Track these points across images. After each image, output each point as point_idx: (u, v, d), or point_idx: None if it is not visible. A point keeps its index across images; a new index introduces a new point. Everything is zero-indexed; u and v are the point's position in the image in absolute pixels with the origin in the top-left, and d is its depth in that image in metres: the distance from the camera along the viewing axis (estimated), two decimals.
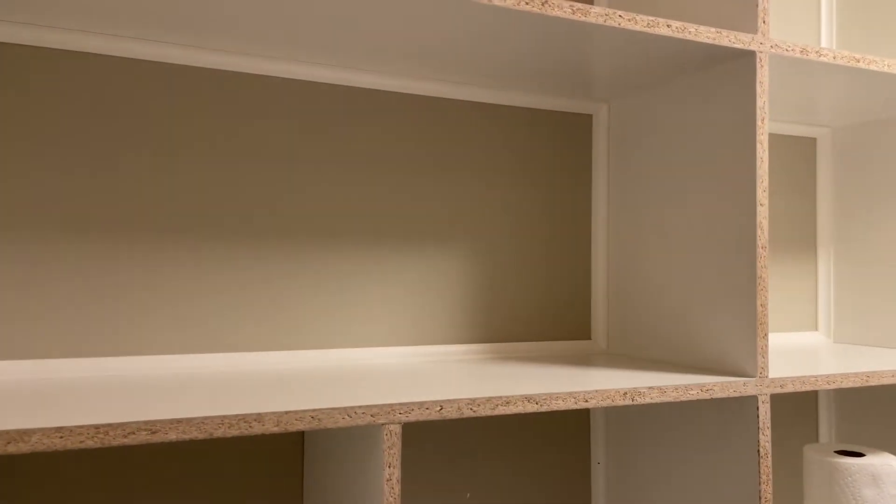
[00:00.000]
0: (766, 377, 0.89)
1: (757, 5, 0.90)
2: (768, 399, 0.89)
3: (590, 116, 1.19)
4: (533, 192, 1.14)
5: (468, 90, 1.09)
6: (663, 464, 1.04)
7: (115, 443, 0.58)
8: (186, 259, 0.92)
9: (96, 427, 0.57)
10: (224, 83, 0.95)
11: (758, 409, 0.88)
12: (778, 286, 1.35)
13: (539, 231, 1.14)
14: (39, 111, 0.86)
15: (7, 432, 0.55)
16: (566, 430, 1.15)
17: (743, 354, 0.91)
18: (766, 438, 0.88)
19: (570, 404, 0.77)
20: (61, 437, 0.56)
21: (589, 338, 1.17)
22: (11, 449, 0.55)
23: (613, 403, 0.79)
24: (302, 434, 0.97)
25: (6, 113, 0.85)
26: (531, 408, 0.75)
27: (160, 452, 0.90)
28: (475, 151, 1.10)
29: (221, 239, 0.94)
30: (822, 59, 0.96)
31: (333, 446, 0.84)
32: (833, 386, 0.93)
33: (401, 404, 0.70)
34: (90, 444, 0.57)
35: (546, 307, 1.14)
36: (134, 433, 0.59)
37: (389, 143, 1.04)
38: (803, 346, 1.29)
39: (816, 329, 1.38)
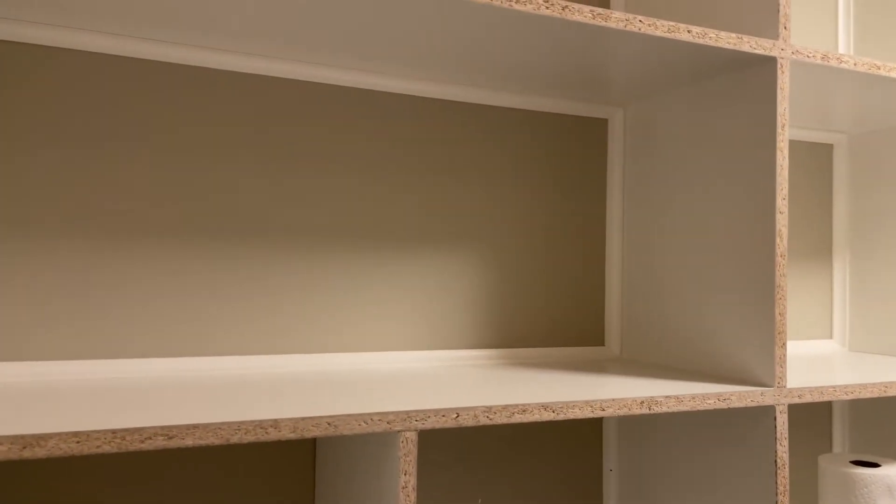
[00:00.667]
0: (784, 387, 0.88)
1: (778, 11, 0.89)
2: (786, 409, 0.88)
3: (605, 121, 1.18)
4: (547, 197, 1.14)
5: (484, 93, 1.08)
6: (676, 472, 1.03)
7: (131, 448, 0.57)
8: (201, 262, 0.92)
9: (113, 432, 0.57)
10: (230, 83, 0.95)
11: (775, 419, 0.87)
12: (792, 293, 1.34)
13: (553, 235, 1.14)
14: (37, 110, 0.86)
15: (23, 437, 0.55)
16: (578, 436, 1.14)
17: (760, 364, 0.90)
18: (783, 449, 0.87)
19: (587, 413, 0.76)
20: (78, 443, 0.56)
21: (602, 344, 1.16)
22: (27, 454, 0.55)
23: (630, 412, 0.79)
24: (314, 439, 0.97)
25: (5, 111, 0.84)
26: (548, 416, 0.75)
27: (168, 455, 0.90)
28: (489, 155, 1.09)
29: (234, 242, 0.94)
30: (842, 65, 0.95)
31: (347, 452, 0.83)
32: (851, 396, 0.92)
33: (417, 411, 0.69)
34: (107, 448, 0.57)
35: (559, 312, 1.14)
36: (151, 438, 0.58)
37: (404, 146, 1.04)
38: (818, 355, 1.28)
39: (831, 337, 1.36)
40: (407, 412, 0.69)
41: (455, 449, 1.06)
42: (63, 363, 0.84)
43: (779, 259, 0.88)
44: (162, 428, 0.59)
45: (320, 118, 0.99)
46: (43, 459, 0.83)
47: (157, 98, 0.90)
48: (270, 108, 0.96)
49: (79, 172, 0.87)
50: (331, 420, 0.65)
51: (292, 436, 0.63)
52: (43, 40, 0.85)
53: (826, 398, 0.90)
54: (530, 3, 0.77)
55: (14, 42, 0.84)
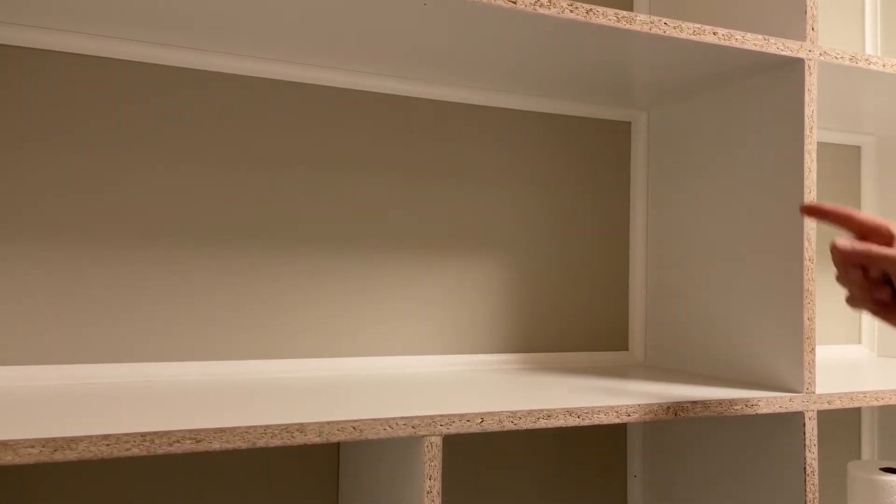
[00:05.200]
0: (814, 393, 0.87)
1: (805, 12, 0.88)
2: (815, 415, 0.86)
3: (628, 124, 1.17)
4: (571, 200, 1.13)
5: (506, 97, 1.08)
6: (702, 478, 1.02)
7: (160, 451, 0.58)
8: (225, 266, 0.93)
9: (142, 435, 0.57)
10: (235, 86, 0.95)
11: (804, 425, 0.86)
12: (820, 297, 1.32)
13: (576, 240, 1.13)
14: (34, 113, 0.87)
15: (54, 440, 0.55)
16: (603, 441, 1.13)
17: (789, 369, 0.88)
18: (812, 456, 0.86)
19: (613, 418, 0.76)
20: (108, 445, 0.56)
21: (626, 349, 1.16)
22: (58, 457, 0.55)
23: (656, 418, 0.78)
24: (338, 443, 0.97)
25: (17, 117, 0.86)
26: (573, 421, 0.74)
27: (192, 459, 0.90)
28: (513, 159, 1.09)
29: (259, 246, 0.94)
30: (871, 66, 0.93)
31: (371, 457, 0.84)
32: (881, 402, 0.91)
33: (442, 416, 0.69)
34: (136, 452, 0.57)
35: (583, 317, 1.13)
36: (179, 442, 0.58)
37: (428, 150, 1.04)
38: (847, 360, 1.26)
39: (860, 342, 1.34)
40: (431, 417, 0.68)
41: (480, 454, 1.05)
42: (88, 367, 0.85)
43: (807, 263, 0.87)
44: (190, 431, 0.59)
45: (346, 123, 0.99)
46: (72, 462, 0.84)
47: (157, 101, 0.91)
48: (298, 113, 0.97)
49: (91, 178, 0.88)
50: (356, 424, 0.65)
51: (318, 440, 0.64)
52: (38, 44, 0.84)
53: (856, 404, 0.89)
54: (554, 7, 0.76)
55: (10, 46, 0.84)
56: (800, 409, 0.86)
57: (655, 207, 1.14)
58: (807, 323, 0.87)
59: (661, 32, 0.81)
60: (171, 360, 0.89)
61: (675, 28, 0.82)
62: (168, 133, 0.91)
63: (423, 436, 0.68)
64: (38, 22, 0.82)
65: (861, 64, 0.92)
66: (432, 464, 0.68)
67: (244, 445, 0.61)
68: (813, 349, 0.87)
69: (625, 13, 0.80)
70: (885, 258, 0.64)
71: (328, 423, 0.64)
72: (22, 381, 0.82)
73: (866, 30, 1.37)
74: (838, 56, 0.90)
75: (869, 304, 0.68)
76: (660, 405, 0.78)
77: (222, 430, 0.60)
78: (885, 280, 0.67)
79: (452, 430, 0.69)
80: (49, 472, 0.84)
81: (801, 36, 0.89)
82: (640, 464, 1.14)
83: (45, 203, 0.85)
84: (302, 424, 0.63)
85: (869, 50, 1.37)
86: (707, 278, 1.03)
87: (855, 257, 0.66)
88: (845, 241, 0.67)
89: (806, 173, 0.87)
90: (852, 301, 0.69)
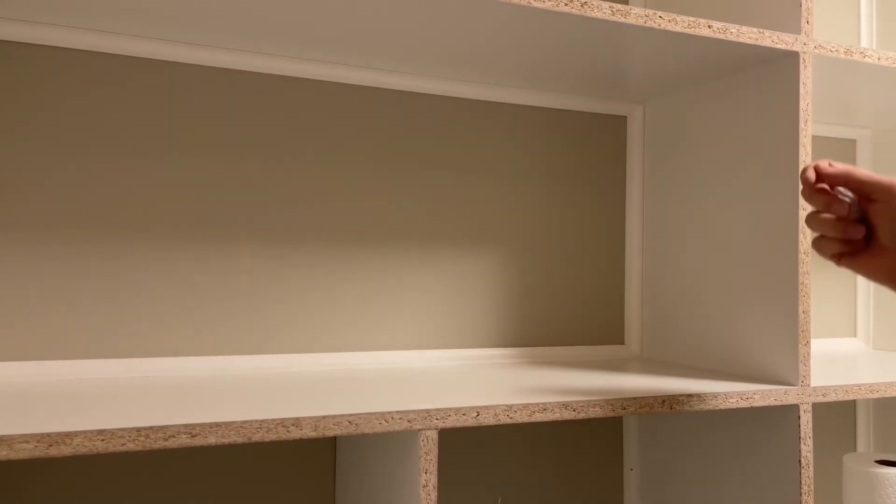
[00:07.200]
0: (809, 386, 0.87)
1: (800, 5, 0.88)
2: (810, 408, 0.87)
3: (624, 118, 1.17)
4: (566, 195, 1.13)
5: (502, 91, 1.08)
6: (698, 471, 1.02)
7: (155, 446, 0.58)
8: (222, 261, 0.93)
9: (138, 430, 0.57)
10: (231, 81, 0.95)
11: (799, 418, 0.86)
12: (816, 291, 1.32)
13: (572, 234, 1.13)
14: (33, 109, 0.87)
15: (49, 435, 0.55)
16: (599, 435, 1.14)
17: (784, 362, 0.89)
18: (807, 448, 0.86)
19: (608, 412, 0.76)
20: (103, 440, 0.56)
21: (622, 342, 1.16)
22: (53, 452, 0.55)
23: (652, 411, 0.78)
24: (334, 437, 0.97)
25: (14, 112, 0.85)
26: (568, 415, 0.74)
27: (189, 454, 0.90)
28: (509, 153, 1.09)
29: (254, 241, 0.94)
30: (866, 59, 0.93)
31: (366, 451, 0.84)
32: (877, 395, 0.91)
33: (437, 410, 0.69)
34: (131, 447, 0.57)
35: (579, 311, 1.13)
36: (174, 436, 0.58)
37: (424, 145, 1.04)
38: (842, 353, 1.27)
39: (855, 335, 1.35)
40: (427, 411, 0.69)
41: (476, 448, 1.05)
42: (82, 362, 0.85)
43: (802, 256, 0.87)
44: (185, 426, 0.59)
45: (342, 118, 0.99)
46: (67, 458, 0.84)
47: (153, 96, 0.91)
48: (298, 108, 0.97)
49: (84, 173, 0.87)
50: (352, 419, 0.65)
51: (314, 434, 0.64)
52: (34, 39, 0.84)
53: (851, 397, 0.89)
54: (549, 0, 0.76)
55: (13, 42, 0.84)
56: (795, 401, 0.86)
57: (651, 201, 1.14)
58: (802, 316, 0.87)
59: (655, 26, 0.81)
60: (166, 355, 0.89)
61: (669, 21, 0.82)
62: (161, 129, 0.90)
63: (419, 430, 0.68)
64: (31, 17, 0.82)
65: (856, 57, 0.92)
66: (428, 458, 0.68)
67: (240, 440, 0.61)
68: (808, 342, 0.87)
69: (619, 6, 0.80)
70: (869, 182, 0.60)
71: (324, 417, 0.64)
72: (16, 376, 0.82)
73: (861, 23, 1.37)
74: (833, 49, 0.90)
75: (837, 247, 0.64)
76: (655, 398, 0.79)
77: (218, 424, 0.60)
78: (860, 219, 0.63)
79: (448, 424, 0.69)
80: (44, 467, 0.84)
81: (796, 29, 0.89)
82: (636, 457, 1.14)
83: (40, 200, 0.85)
84: (298, 419, 0.63)
85: (864, 43, 1.37)
86: (703, 271, 1.03)
87: (836, 180, 0.61)
88: (824, 162, 0.62)
89: (801, 167, 0.87)
90: (819, 244, 0.65)
